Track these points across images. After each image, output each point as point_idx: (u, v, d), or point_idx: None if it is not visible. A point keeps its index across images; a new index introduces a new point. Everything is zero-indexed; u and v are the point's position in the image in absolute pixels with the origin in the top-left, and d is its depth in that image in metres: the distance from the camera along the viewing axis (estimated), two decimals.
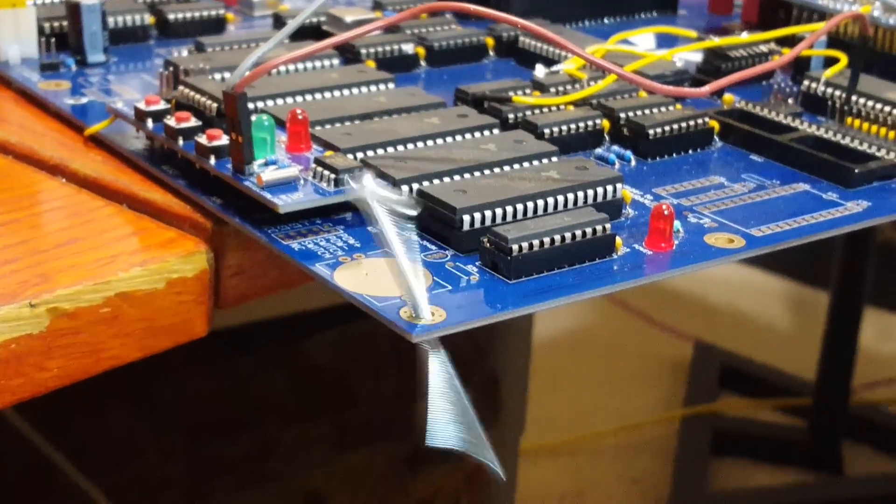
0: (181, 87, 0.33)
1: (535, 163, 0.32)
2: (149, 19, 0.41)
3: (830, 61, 0.38)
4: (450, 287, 0.27)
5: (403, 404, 0.70)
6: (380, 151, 0.32)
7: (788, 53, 0.35)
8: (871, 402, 1.08)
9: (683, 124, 0.35)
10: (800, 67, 0.39)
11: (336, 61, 0.37)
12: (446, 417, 0.26)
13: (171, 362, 0.66)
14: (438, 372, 0.26)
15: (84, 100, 0.36)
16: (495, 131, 0.33)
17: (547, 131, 0.34)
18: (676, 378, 1.11)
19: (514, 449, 0.83)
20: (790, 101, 0.37)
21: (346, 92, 0.35)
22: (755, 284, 1.28)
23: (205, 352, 0.67)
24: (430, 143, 0.32)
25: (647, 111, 0.35)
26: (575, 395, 1.10)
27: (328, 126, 0.33)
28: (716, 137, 0.35)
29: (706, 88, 0.32)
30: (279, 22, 0.42)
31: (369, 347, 0.72)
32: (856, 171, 0.33)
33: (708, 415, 1.05)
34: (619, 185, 0.31)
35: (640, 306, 1.22)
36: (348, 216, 0.30)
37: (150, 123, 0.32)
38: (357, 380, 0.70)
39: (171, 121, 0.31)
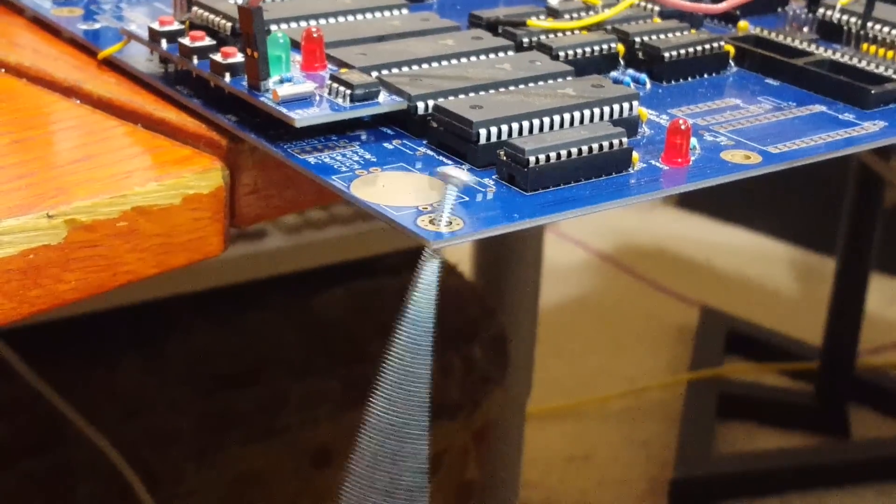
0: (195, 8, 0.33)
1: (551, 82, 0.32)
2: None
3: None
4: (466, 198, 0.27)
5: None
6: (395, 70, 0.32)
7: None
8: (877, 366, 1.08)
9: (699, 48, 0.34)
10: None
11: None
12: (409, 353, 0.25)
13: (181, 316, 0.67)
14: (426, 281, 0.25)
15: (97, 25, 0.35)
16: (510, 53, 0.33)
17: (562, 54, 0.34)
18: (683, 342, 1.12)
19: (520, 412, 0.83)
20: (805, 29, 0.37)
21: (359, 17, 0.35)
22: (761, 249, 1.28)
23: (215, 306, 0.67)
24: (445, 63, 0.32)
25: (662, 35, 0.35)
26: (581, 359, 1.10)
27: (342, 48, 0.33)
28: (731, 62, 0.35)
29: (723, 5, 0.32)
30: None
31: (378, 303, 0.72)
32: (872, 91, 0.32)
33: (714, 379, 1.05)
34: (635, 103, 0.31)
35: (647, 271, 1.22)
36: (363, 134, 0.30)
37: (164, 44, 0.32)
38: (366, 336, 0.70)
39: (185, 40, 0.31)
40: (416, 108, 0.30)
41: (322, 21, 0.34)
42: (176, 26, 0.32)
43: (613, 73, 0.34)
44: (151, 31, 0.32)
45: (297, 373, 0.68)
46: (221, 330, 0.68)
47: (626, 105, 0.30)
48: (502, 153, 0.28)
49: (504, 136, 0.29)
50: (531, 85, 0.31)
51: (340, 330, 0.71)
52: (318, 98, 0.30)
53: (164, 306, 0.65)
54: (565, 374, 1.07)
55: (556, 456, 0.98)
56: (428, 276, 0.25)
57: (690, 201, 1.31)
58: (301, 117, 0.29)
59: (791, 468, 0.97)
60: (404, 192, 0.28)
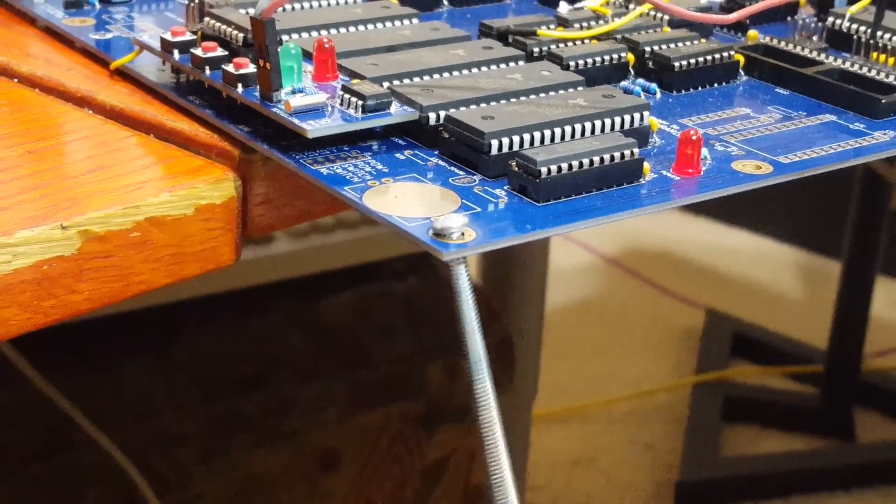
0: (207, 19, 0.33)
1: (562, 92, 0.32)
2: None
3: None
4: (479, 209, 0.28)
5: (418, 364, 0.70)
6: (406, 81, 0.32)
7: None
8: (882, 369, 1.08)
9: (709, 57, 0.35)
10: (824, 5, 0.38)
11: None
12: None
13: (189, 320, 0.67)
14: (465, 284, 0.26)
15: (109, 35, 0.36)
16: (520, 63, 0.33)
17: (572, 64, 0.34)
18: (688, 345, 1.12)
19: (526, 414, 0.84)
20: (815, 38, 0.37)
21: (370, 27, 0.35)
22: (767, 253, 1.28)
23: (223, 310, 0.67)
24: (456, 73, 0.32)
25: (672, 45, 0.35)
26: (587, 362, 1.10)
27: (354, 58, 0.33)
28: (741, 71, 0.35)
29: (734, 15, 0.32)
30: None
31: (383, 307, 0.72)
32: (882, 101, 0.33)
33: (720, 382, 1.06)
34: (645, 113, 0.31)
35: (653, 274, 1.22)
36: (375, 144, 0.30)
37: (176, 54, 0.32)
38: (371, 339, 0.71)
39: (197, 51, 0.31)
40: (427, 118, 0.30)
41: (333, 31, 0.35)
42: (188, 37, 0.32)
43: (623, 83, 0.34)
44: (163, 41, 0.32)
45: (304, 377, 0.68)
46: (229, 334, 0.68)
47: (636, 115, 0.31)
48: (514, 164, 0.28)
49: (515, 147, 0.29)
50: (542, 95, 0.31)
51: (347, 334, 0.71)
52: (329, 109, 0.30)
53: (171, 311, 0.65)
54: (571, 377, 1.07)
55: (561, 459, 0.98)
56: (462, 282, 0.26)
57: (696, 205, 1.31)
58: (313, 128, 0.29)
59: (796, 471, 0.97)
60: (416, 202, 0.28)
